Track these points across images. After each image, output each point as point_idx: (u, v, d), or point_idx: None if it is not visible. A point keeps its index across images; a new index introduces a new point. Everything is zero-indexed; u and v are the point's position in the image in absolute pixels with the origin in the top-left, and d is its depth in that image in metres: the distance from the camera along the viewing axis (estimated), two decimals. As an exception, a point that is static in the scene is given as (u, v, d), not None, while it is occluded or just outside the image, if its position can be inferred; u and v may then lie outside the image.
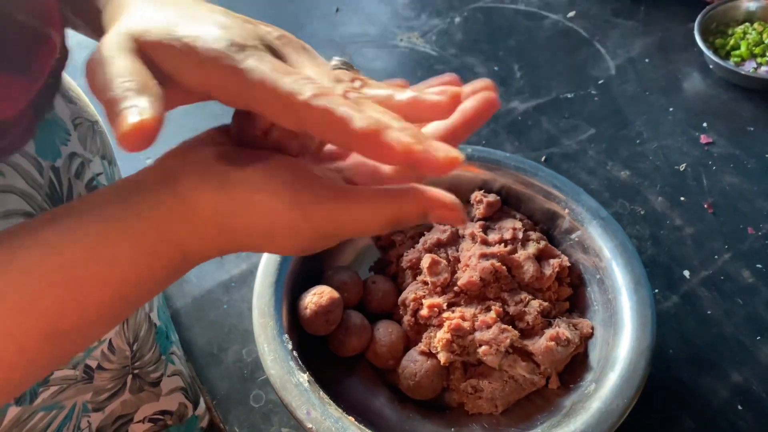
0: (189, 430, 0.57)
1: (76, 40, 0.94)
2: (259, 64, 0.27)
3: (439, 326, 0.56)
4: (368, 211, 0.29)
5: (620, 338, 0.54)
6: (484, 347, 0.55)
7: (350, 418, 0.50)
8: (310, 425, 0.49)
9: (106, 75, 0.26)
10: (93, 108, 0.50)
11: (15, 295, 0.26)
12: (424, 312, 0.57)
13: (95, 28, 0.38)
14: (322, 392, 0.51)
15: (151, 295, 0.31)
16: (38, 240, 0.27)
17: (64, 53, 0.40)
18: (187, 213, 0.28)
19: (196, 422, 0.58)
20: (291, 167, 0.29)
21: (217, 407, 0.59)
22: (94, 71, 0.27)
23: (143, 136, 0.24)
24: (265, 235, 0.29)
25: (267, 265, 0.58)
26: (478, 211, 0.65)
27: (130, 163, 0.78)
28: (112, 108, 0.25)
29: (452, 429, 0.56)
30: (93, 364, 0.47)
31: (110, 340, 0.46)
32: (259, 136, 0.31)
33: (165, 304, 0.62)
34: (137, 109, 0.25)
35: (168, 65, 0.28)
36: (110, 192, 0.29)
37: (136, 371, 0.52)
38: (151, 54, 0.28)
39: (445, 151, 0.26)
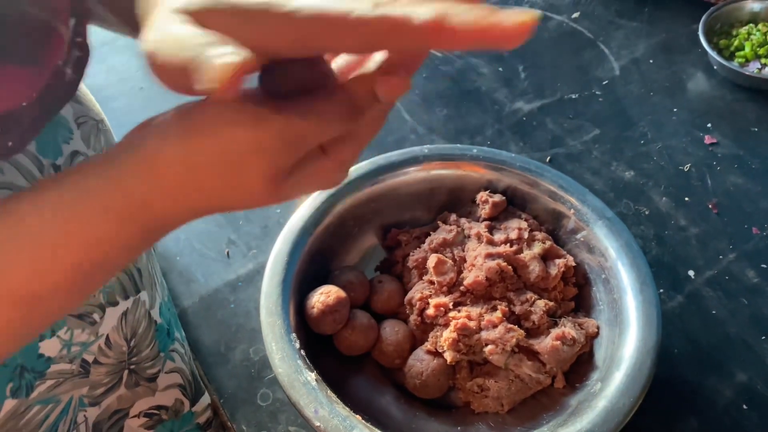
0: (184, 426, 0.57)
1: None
2: (304, 1, 0.26)
3: (446, 325, 0.56)
4: (330, 105, 0.28)
5: (626, 337, 0.55)
6: (490, 346, 0.55)
7: (357, 416, 0.50)
8: (318, 423, 0.49)
9: (177, 43, 0.26)
10: (98, 107, 0.50)
11: None
12: (430, 311, 0.57)
13: (124, 19, 0.39)
14: (329, 391, 0.52)
15: (124, 260, 0.31)
16: (11, 209, 0.28)
17: (86, 50, 0.40)
18: (151, 172, 0.28)
19: (192, 418, 0.58)
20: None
21: (224, 406, 0.60)
22: (158, 50, 0.27)
23: (241, 76, 0.24)
24: (232, 170, 0.28)
25: (274, 264, 0.58)
26: (484, 211, 0.65)
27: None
28: (194, 65, 0.25)
29: (458, 428, 0.56)
30: (90, 358, 0.47)
31: (107, 335, 0.46)
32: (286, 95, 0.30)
33: (170, 302, 0.62)
34: (228, 53, 0.24)
35: (221, 30, 0.27)
36: (86, 165, 0.29)
37: (132, 366, 0.52)
38: (204, 23, 0.27)
39: (515, 15, 0.24)
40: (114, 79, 0.92)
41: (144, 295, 0.49)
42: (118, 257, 0.30)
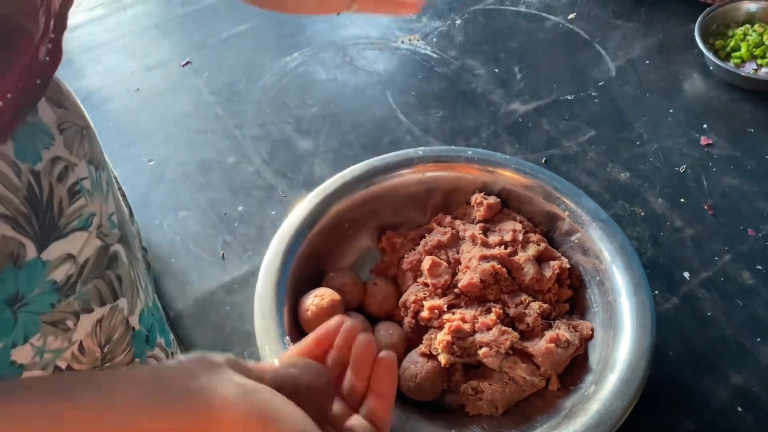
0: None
1: (78, 43, 0.94)
2: None
3: (440, 328, 0.56)
4: None
5: (620, 340, 0.55)
6: (484, 349, 0.55)
7: (351, 419, 0.50)
8: None
9: None
10: (84, 113, 0.50)
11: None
12: (424, 314, 0.57)
13: None
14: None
15: None
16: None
17: (57, 55, 0.40)
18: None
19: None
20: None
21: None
22: None
23: None
24: None
25: (268, 267, 0.58)
26: (479, 213, 0.65)
27: (130, 164, 0.78)
28: None
29: (453, 430, 0.56)
30: (63, 365, 0.46)
31: (81, 342, 0.46)
32: None
33: (157, 307, 0.62)
34: None
35: None
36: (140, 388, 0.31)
37: None
38: None
39: None
40: (110, 80, 0.92)
41: (123, 302, 0.49)
42: None
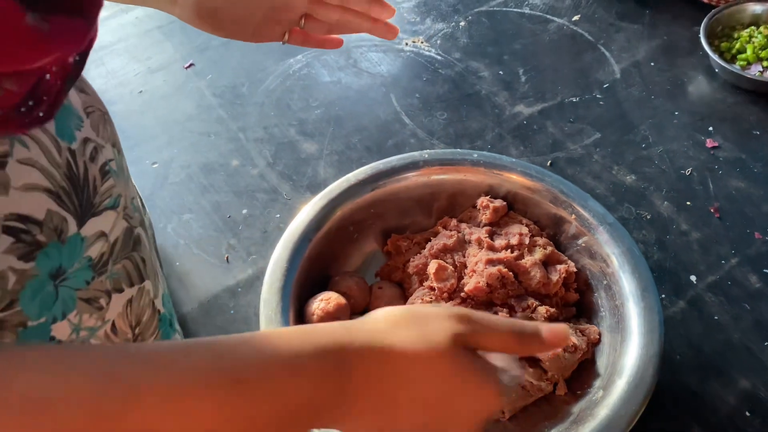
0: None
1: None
2: None
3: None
4: (504, 330, 0.38)
5: (628, 345, 0.54)
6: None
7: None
8: (317, 432, 0.49)
9: None
10: (101, 101, 0.50)
11: (194, 395, 0.29)
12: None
13: None
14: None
15: (315, 415, 0.34)
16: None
17: (95, 32, 0.41)
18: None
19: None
20: None
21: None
22: None
23: None
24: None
25: (274, 271, 0.58)
26: (485, 216, 0.65)
27: (134, 167, 0.78)
28: None
29: (459, 435, 0.56)
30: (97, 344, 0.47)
31: (113, 322, 0.47)
32: None
33: (169, 295, 0.62)
34: None
35: None
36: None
37: None
38: None
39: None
40: (113, 83, 0.91)
41: (148, 285, 0.50)
42: (309, 414, 0.33)
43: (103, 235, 0.43)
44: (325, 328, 0.35)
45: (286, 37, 0.57)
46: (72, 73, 0.39)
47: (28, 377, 0.27)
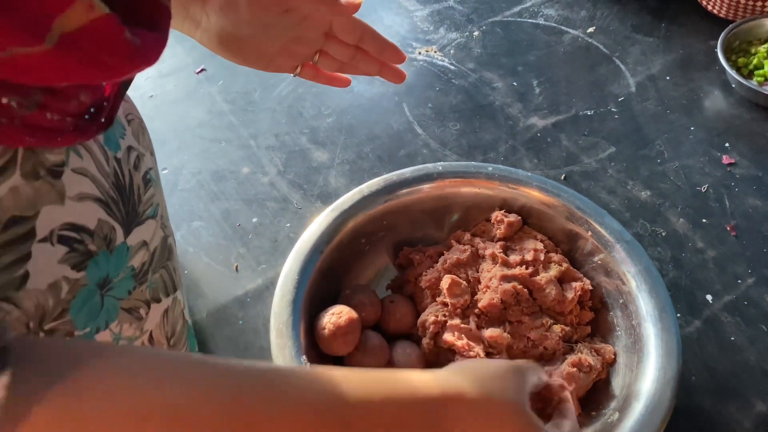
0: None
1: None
2: None
3: (461, 355, 0.55)
4: None
5: (645, 367, 0.53)
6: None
7: None
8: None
9: None
10: (137, 108, 0.50)
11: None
12: (448, 337, 0.56)
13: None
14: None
15: None
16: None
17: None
18: None
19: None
20: None
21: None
22: None
23: None
24: None
25: (285, 283, 0.57)
26: (499, 231, 0.64)
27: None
28: None
29: (470, 455, 0.55)
30: None
31: (151, 332, 0.47)
32: None
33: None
34: None
35: None
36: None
37: None
38: None
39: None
40: (124, 86, 0.91)
41: (180, 294, 0.50)
42: None
43: (144, 244, 0.43)
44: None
45: (298, 70, 0.58)
46: (128, 83, 0.39)
47: (169, 389, 0.29)
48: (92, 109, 0.34)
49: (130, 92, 0.91)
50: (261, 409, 0.30)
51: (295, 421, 0.31)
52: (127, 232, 0.41)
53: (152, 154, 0.48)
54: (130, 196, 0.41)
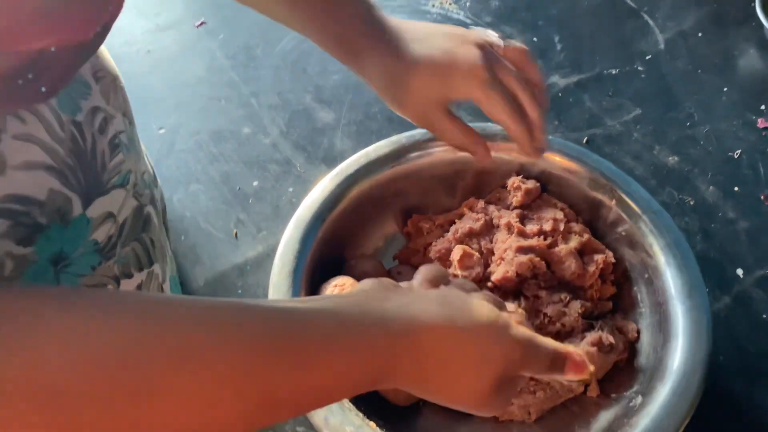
0: None
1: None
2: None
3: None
4: (541, 355, 0.37)
5: (671, 347, 0.49)
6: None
7: (371, 423, 0.46)
8: (327, 433, 0.45)
9: None
10: (113, 63, 0.46)
11: (243, 360, 0.28)
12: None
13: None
14: (341, 395, 0.47)
15: (343, 395, 0.35)
16: (272, 315, 0.30)
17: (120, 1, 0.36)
18: (416, 359, 0.33)
19: None
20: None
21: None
22: None
23: None
24: (479, 368, 0.35)
25: (285, 253, 0.53)
26: (515, 198, 0.59)
27: (139, 132, 0.73)
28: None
29: (481, 436, 0.52)
30: None
31: None
32: None
33: (178, 278, 0.58)
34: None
35: None
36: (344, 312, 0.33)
37: None
38: None
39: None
40: (118, 41, 0.86)
41: (157, 268, 0.46)
42: (344, 392, 0.34)
43: (111, 215, 0.39)
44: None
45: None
46: (89, 47, 0.34)
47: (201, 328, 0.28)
48: (30, 75, 0.30)
49: (125, 47, 0.86)
50: (214, 343, 0.28)
51: (243, 353, 0.29)
52: (86, 203, 0.37)
53: (126, 115, 0.44)
54: (92, 163, 0.37)
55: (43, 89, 0.31)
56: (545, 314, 0.53)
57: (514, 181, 0.60)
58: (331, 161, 0.71)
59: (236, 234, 0.67)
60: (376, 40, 0.51)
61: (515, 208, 0.59)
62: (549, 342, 0.38)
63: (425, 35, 0.53)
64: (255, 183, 0.71)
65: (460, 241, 0.57)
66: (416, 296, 0.36)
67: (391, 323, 0.33)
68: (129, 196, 0.41)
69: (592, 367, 0.39)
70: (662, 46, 0.84)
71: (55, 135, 0.35)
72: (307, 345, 0.30)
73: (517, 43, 0.54)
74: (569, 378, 0.39)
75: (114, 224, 0.40)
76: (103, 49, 0.45)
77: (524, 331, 0.37)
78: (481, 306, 0.36)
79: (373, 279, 0.37)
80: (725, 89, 0.79)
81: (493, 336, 0.35)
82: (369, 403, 0.49)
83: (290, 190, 0.70)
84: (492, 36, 0.53)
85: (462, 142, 0.54)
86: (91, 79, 0.40)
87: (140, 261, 0.44)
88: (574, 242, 0.56)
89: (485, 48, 0.51)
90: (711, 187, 0.69)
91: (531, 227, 0.57)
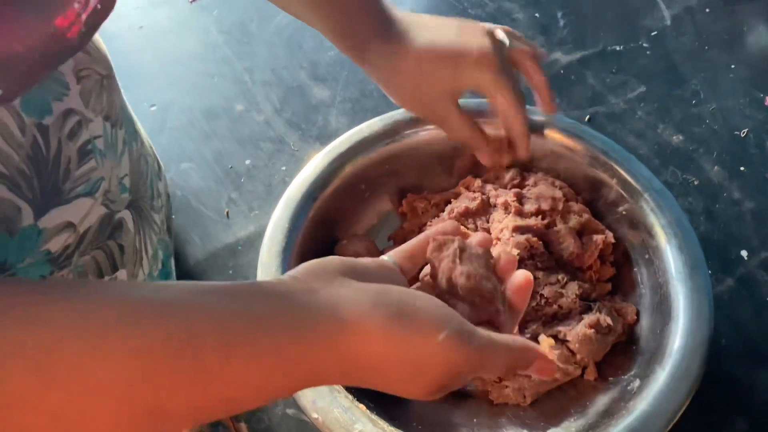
0: None
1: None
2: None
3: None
4: (500, 359, 0.32)
5: (671, 329, 0.48)
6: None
7: (361, 406, 0.45)
8: (315, 416, 0.44)
9: None
10: (108, 59, 0.43)
11: (135, 361, 0.25)
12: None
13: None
14: (330, 377, 0.46)
15: (258, 403, 0.30)
16: (177, 308, 0.27)
17: (109, 3, 0.34)
18: (344, 359, 0.29)
19: None
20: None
21: (217, 383, 0.54)
22: None
23: None
24: (418, 375, 0.30)
25: (274, 232, 0.52)
26: (513, 177, 0.58)
27: (132, 110, 0.71)
28: None
29: (474, 420, 0.50)
30: None
31: None
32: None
33: (166, 273, 0.56)
34: None
35: None
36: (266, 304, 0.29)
37: None
38: None
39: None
40: (111, 16, 0.84)
41: (122, 274, 0.43)
42: (263, 399, 0.30)
43: (70, 225, 0.37)
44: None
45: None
46: (69, 48, 0.31)
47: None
48: None
49: (117, 23, 0.84)
50: (88, 349, 0.24)
51: (127, 360, 0.25)
52: (40, 213, 0.34)
53: (109, 118, 0.41)
54: (53, 172, 0.35)
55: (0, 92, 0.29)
56: (542, 295, 0.51)
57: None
58: (326, 139, 0.69)
59: (228, 213, 0.65)
60: (383, 29, 0.49)
61: (513, 187, 0.58)
62: (511, 343, 0.33)
63: (435, 26, 0.51)
64: (247, 161, 0.69)
65: (457, 221, 0.55)
66: (351, 290, 0.30)
67: (314, 323, 0.28)
68: (97, 204, 0.39)
69: (556, 367, 0.36)
70: (668, 22, 0.81)
71: (12, 139, 0.32)
72: (207, 351, 0.26)
73: (523, 45, 0.52)
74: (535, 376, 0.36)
75: (73, 234, 0.37)
76: (99, 45, 0.42)
77: (480, 335, 0.31)
78: (431, 307, 0.31)
79: (315, 261, 0.32)
80: (732, 66, 0.76)
81: (437, 345, 0.30)
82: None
83: (283, 168, 0.68)
84: (500, 34, 0.51)
85: (469, 139, 0.53)
86: (72, 78, 0.37)
87: (101, 269, 0.41)
88: (573, 222, 0.54)
89: (495, 38, 0.49)
90: (716, 167, 0.68)
91: (529, 207, 0.55)
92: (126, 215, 0.43)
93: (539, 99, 0.54)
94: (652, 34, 0.80)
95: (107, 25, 0.88)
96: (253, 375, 0.27)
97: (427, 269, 0.38)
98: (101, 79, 0.40)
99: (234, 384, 0.27)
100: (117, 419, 0.25)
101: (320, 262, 0.32)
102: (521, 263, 0.52)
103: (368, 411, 0.45)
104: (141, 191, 0.45)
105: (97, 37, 0.42)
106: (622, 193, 0.55)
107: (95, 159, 0.38)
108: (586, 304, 0.52)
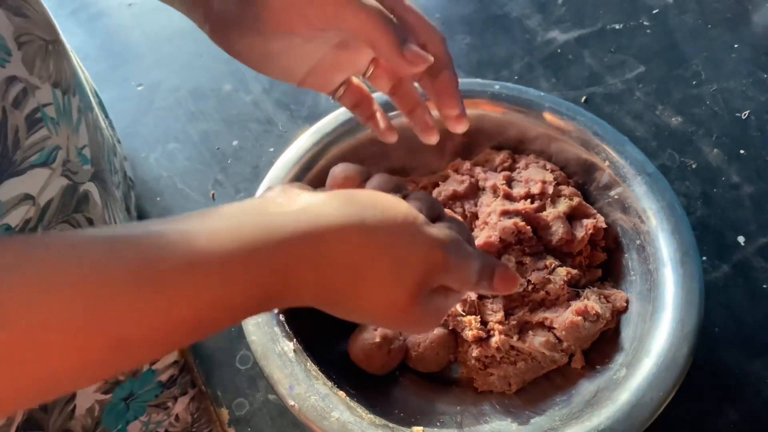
0: (144, 385, 0.51)
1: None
2: None
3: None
4: (473, 261, 0.34)
5: (660, 317, 0.46)
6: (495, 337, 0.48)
7: (340, 393, 0.44)
8: (292, 402, 0.43)
9: None
10: (53, 24, 0.42)
11: (88, 292, 0.23)
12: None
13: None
14: (309, 363, 0.45)
15: (225, 324, 0.28)
16: (133, 240, 0.25)
17: None
18: (318, 267, 0.28)
19: (152, 377, 0.52)
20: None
21: (200, 367, 0.54)
22: None
23: None
24: (396, 270, 0.30)
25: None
26: (503, 159, 0.56)
27: (117, 89, 0.70)
28: None
29: (458, 407, 0.49)
30: None
31: None
32: None
33: None
34: None
35: None
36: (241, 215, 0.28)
37: None
38: None
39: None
40: (99, -7, 0.82)
41: None
42: (225, 322, 0.28)
43: (28, 198, 0.36)
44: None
45: (341, 91, 0.46)
46: None
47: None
48: None
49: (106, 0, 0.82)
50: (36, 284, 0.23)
51: (80, 289, 0.24)
52: None
53: (58, 85, 0.39)
54: (1, 142, 0.34)
55: None
56: (529, 281, 0.50)
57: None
58: (315, 120, 0.67)
59: (213, 195, 0.64)
60: None
61: (503, 170, 0.56)
62: (475, 246, 0.35)
63: None
64: (234, 142, 0.68)
65: (444, 205, 0.54)
66: (322, 196, 0.30)
67: (286, 228, 0.27)
68: (56, 174, 0.38)
69: (522, 280, 0.36)
70: (670, 0, 0.79)
71: None
72: (167, 273, 0.25)
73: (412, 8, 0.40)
74: (497, 292, 0.35)
75: (33, 206, 0.36)
76: (42, 9, 0.40)
77: (447, 231, 0.32)
78: (395, 202, 0.31)
79: (281, 185, 0.32)
80: (735, 46, 0.74)
81: (408, 234, 0.30)
82: (341, 371, 0.47)
83: (271, 150, 0.67)
84: None
85: (373, 30, 0.36)
86: (13, 44, 0.36)
87: None
88: (562, 206, 0.53)
89: None
90: (715, 150, 0.66)
91: (518, 190, 0.54)
92: (91, 188, 0.42)
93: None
94: (654, 12, 0.78)
95: (97, 3, 0.87)
96: (218, 290, 0.26)
97: None
98: (45, 44, 0.39)
99: (200, 303, 0.26)
100: (77, 355, 0.24)
101: (281, 185, 0.33)
102: (508, 248, 0.51)
103: (348, 398, 0.44)
104: (103, 163, 0.44)
105: (40, 2, 0.41)
106: (615, 176, 0.53)
107: (47, 127, 0.37)
108: (574, 290, 0.51)
